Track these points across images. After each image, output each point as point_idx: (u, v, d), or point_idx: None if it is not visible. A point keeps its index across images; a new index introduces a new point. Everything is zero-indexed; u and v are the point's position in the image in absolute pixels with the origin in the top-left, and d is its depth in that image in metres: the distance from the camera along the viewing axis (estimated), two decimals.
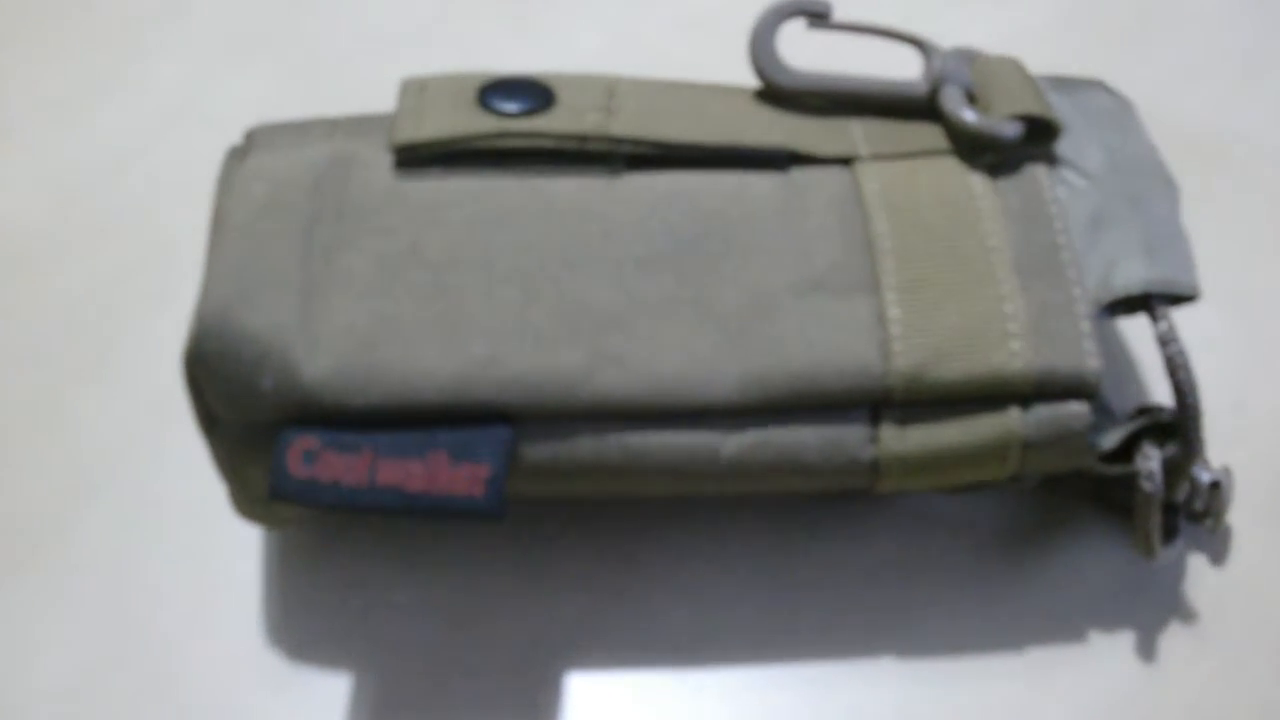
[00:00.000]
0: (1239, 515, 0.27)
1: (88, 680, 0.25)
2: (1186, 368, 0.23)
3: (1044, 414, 0.23)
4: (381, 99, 0.35)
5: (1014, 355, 0.22)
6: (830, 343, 0.22)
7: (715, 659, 0.25)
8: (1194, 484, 0.25)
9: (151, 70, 0.36)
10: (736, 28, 0.34)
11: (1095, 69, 0.35)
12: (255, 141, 0.25)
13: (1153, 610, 0.26)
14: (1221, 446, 0.27)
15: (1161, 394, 0.28)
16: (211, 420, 0.23)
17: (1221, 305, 0.30)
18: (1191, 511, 0.26)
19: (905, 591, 0.26)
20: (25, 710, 0.25)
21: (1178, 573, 0.26)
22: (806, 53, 0.30)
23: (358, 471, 0.22)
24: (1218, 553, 0.26)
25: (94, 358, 0.30)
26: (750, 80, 0.27)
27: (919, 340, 0.22)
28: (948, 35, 0.36)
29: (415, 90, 0.25)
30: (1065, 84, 0.27)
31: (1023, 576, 0.26)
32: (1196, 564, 0.26)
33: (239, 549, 0.27)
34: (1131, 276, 0.23)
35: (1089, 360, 0.23)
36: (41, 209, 0.33)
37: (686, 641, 0.26)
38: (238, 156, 0.25)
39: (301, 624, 0.26)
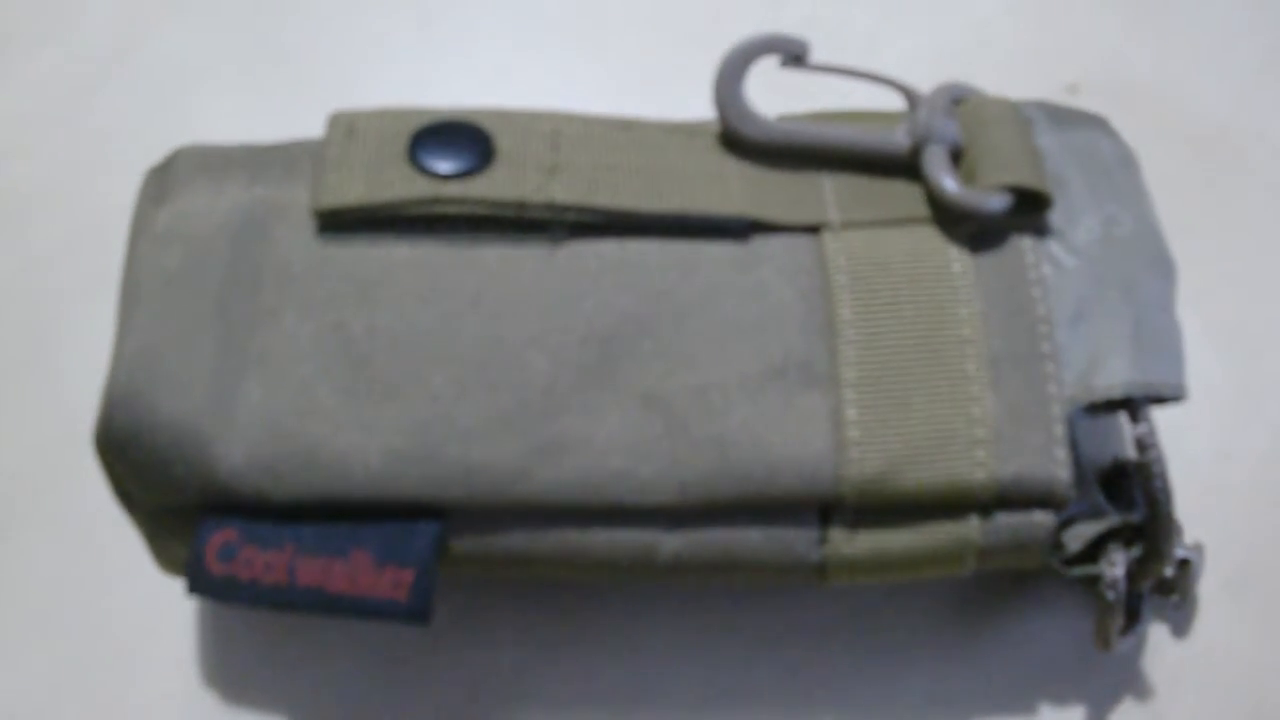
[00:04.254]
0: (1207, 585, 0.26)
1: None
2: (1163, 476, 0.22)
3: (1005, 523, 0.21)
4: (323, 61, 0.32)
5: (978, 465, 0.21)
6: (782, 446, 0.21)
7: (653, 718, 0.25)
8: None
9: (77, 19, 0.33)
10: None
11: (1107, 48, 0.32)
12: (174, 178, 0.23)
13: (1109, 685, 0.25)
14: (1197, 504, 0.26)
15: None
16: (129, 499, 0.22)
17: (1213, 338, 0.28)
18: (1158, 584, 0.25)
19: (852, 656, 0.25)
20: None
21: (1138, 646, 0.25)
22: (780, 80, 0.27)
23: (277, 570, 0.21)
24: (1180, 626, 0.26)
25: (21, 351, 0.28)
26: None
27: (877, 447, 0.21)
28: (942, 7, 0.33)
29: (342, 134, 0.22)
30: (1063, 120, 0.24)
31: (976, 643, 0.25)
32: (1158, 636, 0.25)
33: (173, 588, 0.26)
34: (1115, 378, 0.21)
35: (1058, 471, 0.21)
36: None
37: (624, 699, 0.25)
38: (153, 195, 0.23)
39: (236, 668, 0.25)
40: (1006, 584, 0.26)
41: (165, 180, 0.23)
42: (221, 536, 0.21)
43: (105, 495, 0.26)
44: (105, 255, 0.29)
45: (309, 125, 0.27)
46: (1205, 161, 0.31)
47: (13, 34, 0.33)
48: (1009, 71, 0.31)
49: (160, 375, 0.21)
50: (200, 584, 0.21)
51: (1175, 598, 0.25)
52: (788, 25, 0.32)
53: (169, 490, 0.21)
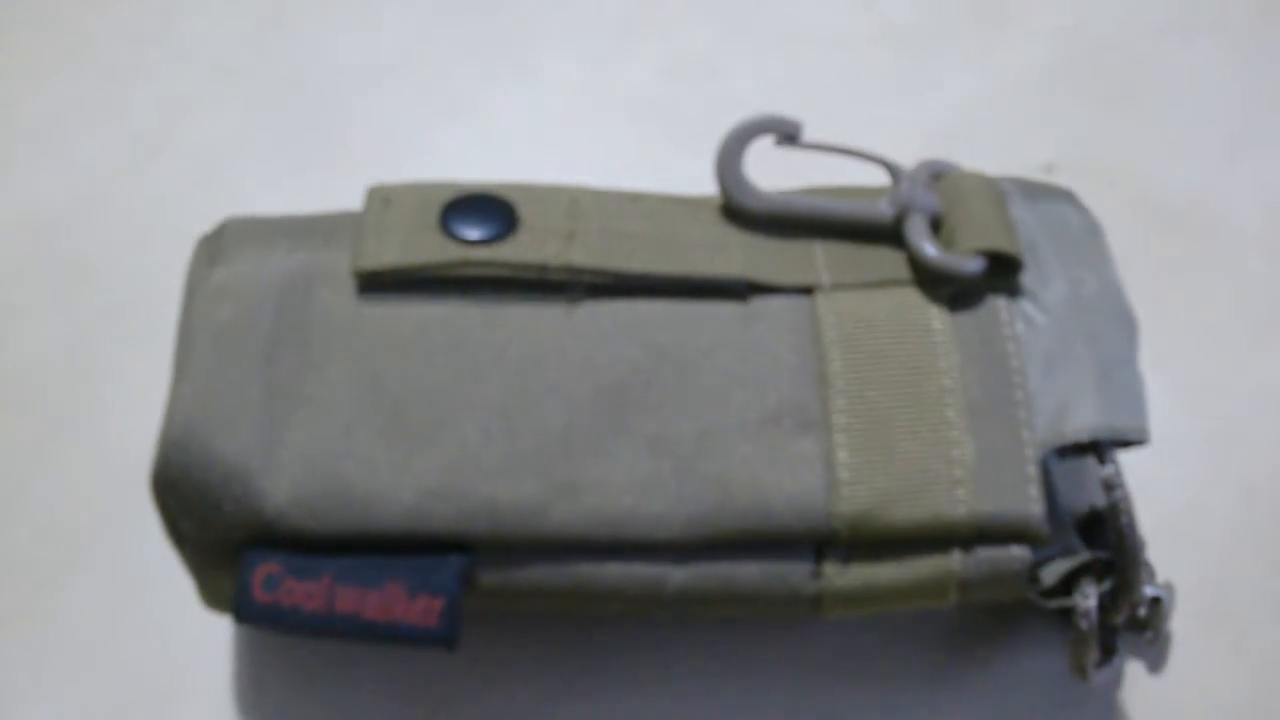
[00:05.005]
0: (1179, 622, 0.28)
1: None
2: (1129, 514, 0.24)
3: (985, 556, 0.23)
4: (352, 135, 0.35)
5: (959, 502, 0.23)
6: (779, 485, 0.23)
7: None
8: (1135, 599, 0.26)
9: (127, 100, 0.35)
10: (716, 74, 0.34)
11: (1076, 129, 0.35)
12: (224, 244, 0.25)
13: (1089, 717, 0.27)
14: (1169, 548, 0.28)
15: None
16: (180, 535, 0.24)
17: (1182, 395, 0.30)
18: (1133, 621, 0.27)
19: (848, 690, 0.27)
20: None
21: (1115, 681, 0.27)
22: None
23: (317, 599, 0.23)
24: (1156, 661, 0.27)
25: (73, 406, 0.30)
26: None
27: (866, 485, 0.23)
28: (924, 88, 0.35)
29: (379, 205, 0.25)
30: (1034, 193, 0.27)
31: (964, 677, 0.27)
32: (1134, 671, 0.27)
33: (211, 626, 0.28)
34: (1082, 423, 0.24)
35: (1033, 507, 0.23)
36: (13, 245, 0.33)
37: None
38: (206, 258, 0.25)
39: (271, 702, 0.27)
40: (994, 625, 0.28)
41: (216, 245, 0.25)
42: (266, 569, 0.23)
43: (148, 540, 0.28)
44: (151, 318, 0.31)
45: (340, 198, 0.30)
46: (1173, 236, 0.33)
47: (65, 115, 0.35)
48: (989, 152, 0.34)
49: (213, 419, 0.23)
50: (247, 612, 0.23)
51: (1150, 634, 0.27)
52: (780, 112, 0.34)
53: (219, 526, 0.23)
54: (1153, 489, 0.28)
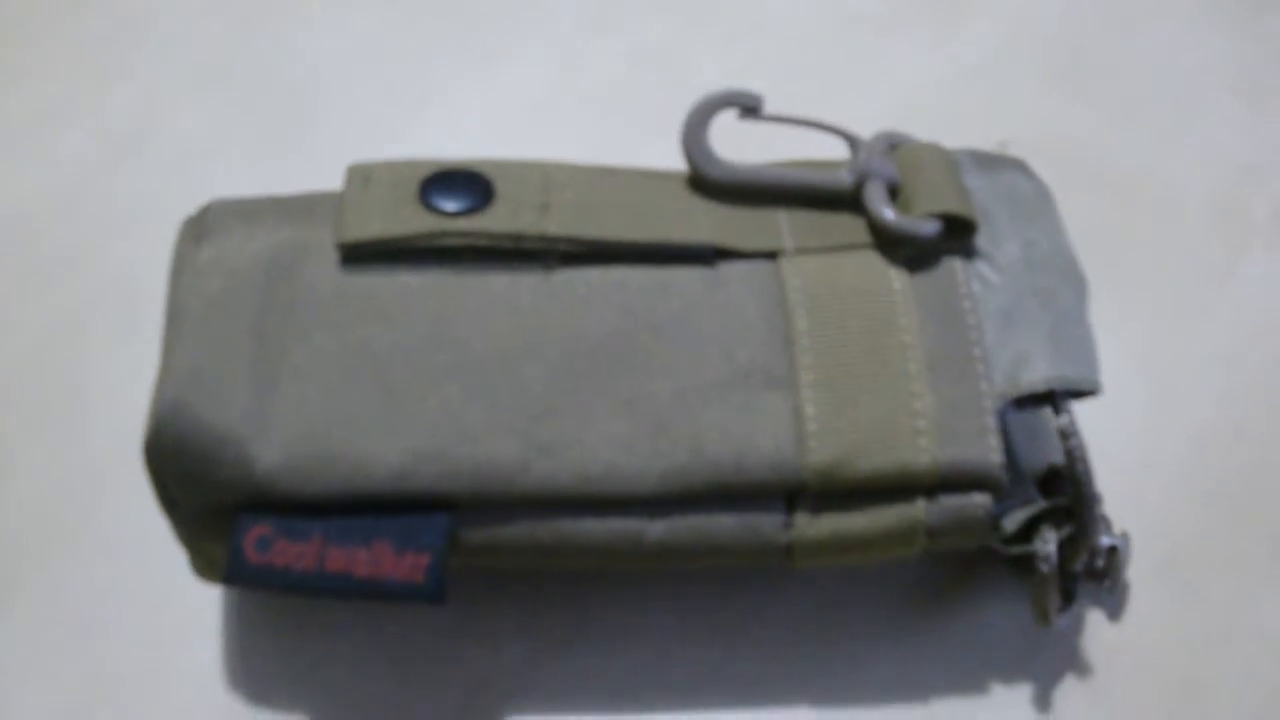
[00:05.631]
0: (1136, 572, 0.29)
1: None
2: (1084, 460, 0.25)
3: (948, 504, 0.24)
4: (327, 128, 0.35)
5: (921, 451, 0.24)
6: (750, 439, 0.24)
7: (649, 706, 0.27)
8: (1093, 548, 0.27)
9: (105, 97, 0.36)
10: (679, 63, 0.35)
11: (1028, 109, 0.36)
12: (210, 224, 0.26)
13: (1051, 664, 0.28)
14: (1124, 503, 0.29)
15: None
16: (171, 502, 0.25)
17: (1134, 359, 0.32)
18: (1091, 571, 0.28)
19: (822, 644, 0.28)
20: None
21: (1076, 628, 0.28)
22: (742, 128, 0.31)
23: (308, 558, 0.23)
24: (1114, 609, 0.28)
25: (54, 396, 0.31)
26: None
27: (833, 437, 0.24)
28: (883, 74, 0.37)
29: (359, 182, 0.26)
30: (987, 163, 0.28)
31: (932, 629, 0.28)
32: (1094, 619, 0.28)
33: (199, 597, 0.28)
34: (1036, 374, 0.25)
35: (992, 455, 0.24)
36: None
37: (618, 689, 0.27)
38: (192, 237, 0.26)
39: (258, 671, 0.28)
40: (957, 579, 0.29)
41: (202, 225, 0.26)
42: (258, 531, 0.24)
43: (133, 516, 0.29)
44: (131, 306, 0.32)
45: (316, 188, 0.31)
46: (1124, 206, 0.34)
47: (46, 112, 0.36)
48: (944, 133, 0.35)
49: (204, 388, 0.24)
50: (239, 573, 0.24)
51: (1108, 583, 0.28)
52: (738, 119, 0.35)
53: (211, 491, 0.24)
54: (1106, 446, 0.29)
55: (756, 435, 0.24)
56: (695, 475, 0.24)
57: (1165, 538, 0.29)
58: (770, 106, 0.31)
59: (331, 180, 0.29)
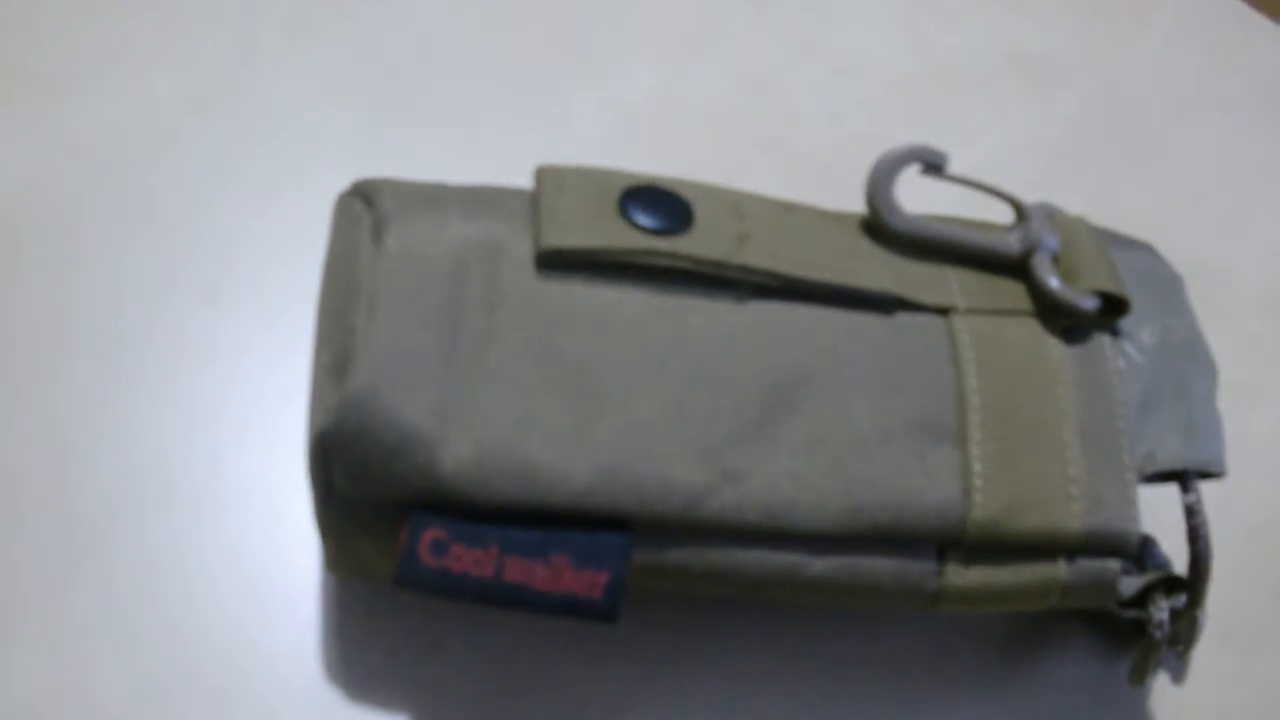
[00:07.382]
0: (1200, 641, 0.31)
1: (143, 702, 0.26)
2: (1206, 539, 0.26)
3: (1085, 567, 0.26)
4: (420, 111, 0.35)
5: (1073, 516, 0.25)
6: (919, 488, 0.25)
7: None
8: (1195, 618, 0.29)
9: (196, 43, 0.35)
10: (783, 93, 0.35)
11: (1094, 185, 0.38)
12: (387, 208, 0.25)
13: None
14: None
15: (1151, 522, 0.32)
16: (329, 491, 0.24)
17: None
18: (1174, 637, 0.29)
19: (909, 685, 0.29)
20: None
21: (1144, 688, 0.30)
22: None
23: (485, 567, 0.23)
24: (1178, 673, 0.30)
25: (137, 356, 0.30)
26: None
27: (996, 494, 0.25)
28: (965, 133, 0.38)
29: (554, 187, 0.25)
30: (1121, 243, 0.29)
31: (1012, 678, 0.29)
32: (1160, 682, 0.30)
33: (301, 583, 0.28)
34: (1173, 454, 0.26)
35: (1133, 525, 0.26)
36: (73, 178, 0.32)
37: (720, 714, 0.28)
38: (364, 218, 0.25)
39: (358, 664, 0.27)
40: (1044, 632, 0.30)
41: (376, 208, 0.25)
42: (433, 533, 0.23)
43: (245, 495, 0.28)
44: (221, 265, 0.31)
45: (404, 168, 0.30)
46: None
47: (123, 55, 0.34)
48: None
49: (398, 381, 0.23)
50: (412, 575, 0.23)
51: (1180, 648, 0.30)
52: (835, 155, 0.36)
53: (386, 487, 0.23)
54: (1178, 522, 0.31)
55: (926, 485, 0.25)
56: (866, 518, 0.25)
57: (1221, 611, 0.31)
58: (852, 149, 0.32)
59: (421, 161, 0.28)
